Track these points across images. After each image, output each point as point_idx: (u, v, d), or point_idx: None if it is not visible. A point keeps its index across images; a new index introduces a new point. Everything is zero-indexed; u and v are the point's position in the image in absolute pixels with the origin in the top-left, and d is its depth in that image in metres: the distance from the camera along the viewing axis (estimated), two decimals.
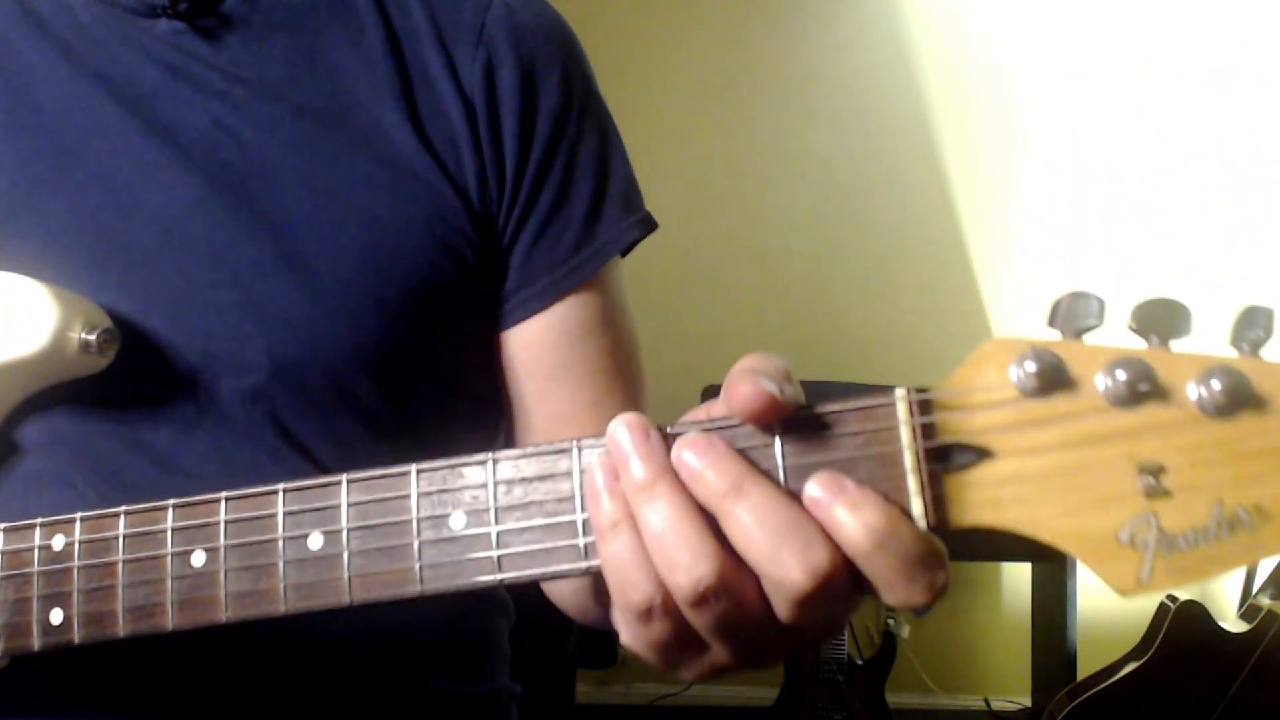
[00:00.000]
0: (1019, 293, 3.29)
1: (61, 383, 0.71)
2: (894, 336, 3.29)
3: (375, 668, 0.80)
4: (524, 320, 0.81)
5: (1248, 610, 2.43)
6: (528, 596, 0.91)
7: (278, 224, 0.74)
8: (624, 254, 0.85)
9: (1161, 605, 2.47)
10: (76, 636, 0.59)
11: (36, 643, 0.60)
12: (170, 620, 0.57)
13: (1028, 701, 3.19)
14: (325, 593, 0.54)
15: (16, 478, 0.73)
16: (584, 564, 0.49)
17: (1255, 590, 2.50)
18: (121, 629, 0.58)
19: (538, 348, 0.82)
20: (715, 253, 3.34)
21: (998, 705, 3.29)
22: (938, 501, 0.44)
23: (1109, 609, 3.05)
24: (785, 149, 3.37)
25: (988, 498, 0.43)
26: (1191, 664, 2.36)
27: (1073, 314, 0.43)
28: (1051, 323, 0.44)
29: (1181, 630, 2.38)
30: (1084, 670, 2.59)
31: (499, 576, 0.51)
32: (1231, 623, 2.40)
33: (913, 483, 0.44)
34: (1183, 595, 2.45)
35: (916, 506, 0.44)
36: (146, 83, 0.76)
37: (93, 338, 0.68)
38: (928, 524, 0.44)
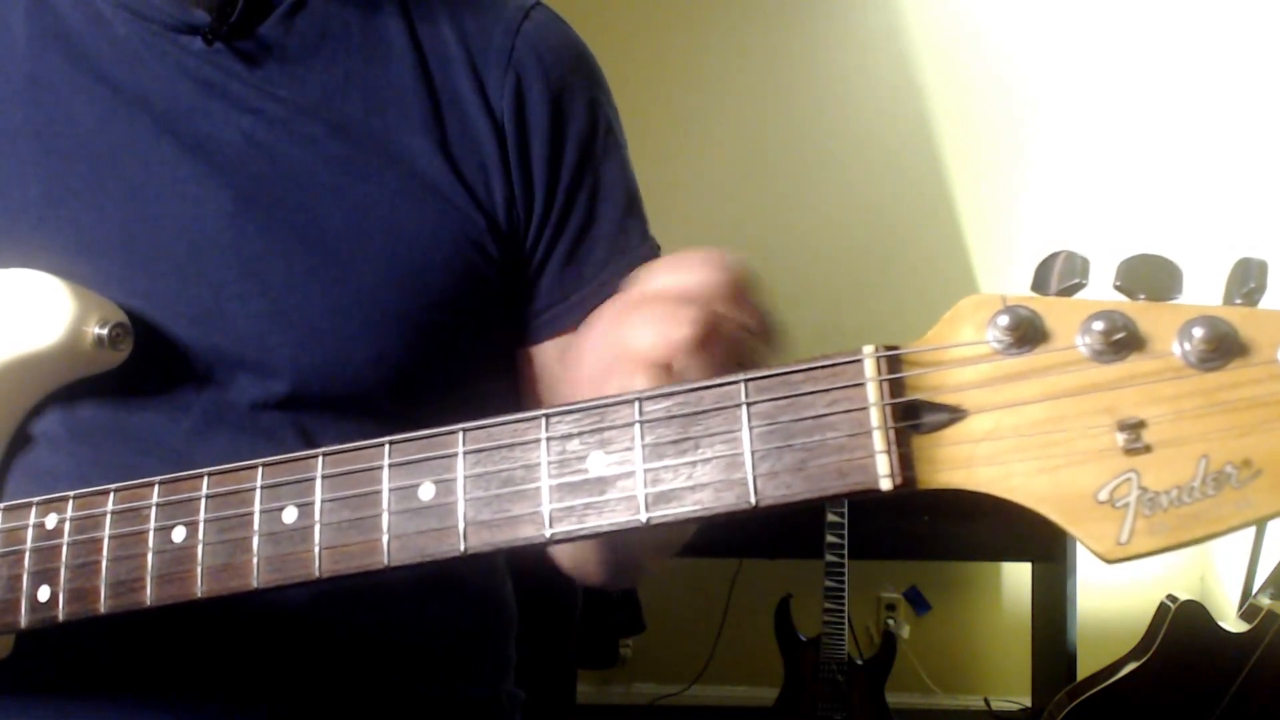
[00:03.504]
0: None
1: (80, 380, 0.72)
2: (895, 336, 3.27)
3: (376, 672, 0.80)
4: (554, 336, 0.83)
5: (1248, 610, 2.41)
6: (528, 595, 0.91)
7: (307, 237, 0.75)
8: None
9: (1161, 605, 2.46)
10: (61, 614, 0.59)
11: (24, 620, 0.60)
12: (149, 595, 0.57)
13: (1028, 701, 3.18)
14: (295, 566, 0.54)
15: (32, 472, 0.74)
16: (547, 532, 0.49)
17: (1255, 590, 2.49)
18: (103, 605, 0.58)
19: (565, 361, 0.83)
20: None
21: (998, 705, 3.28)
22: (905, 460, 0.42)
23: (1109, 609, 3.04)
24: (788, 148, 3.36)
25: (960, 456, 0.41)
26: (1191, 664, 2.34)
27: (1056, 273, 0.42)
28: (1036, 285, 0.43)
29: (1181, 630, 2.37)
30: (1084, 670, 2.58)
31: (463, 547, 0.50)
32: (1231, 623, 2.39)
33: (879, 441, 0.43)
34: (1183, 595, 2.44)
35: (883, 465, 0.42)
36: (181, 97, 0.77)
37: (105, 331, 0.70)
38: (894, 484, 0.42)
